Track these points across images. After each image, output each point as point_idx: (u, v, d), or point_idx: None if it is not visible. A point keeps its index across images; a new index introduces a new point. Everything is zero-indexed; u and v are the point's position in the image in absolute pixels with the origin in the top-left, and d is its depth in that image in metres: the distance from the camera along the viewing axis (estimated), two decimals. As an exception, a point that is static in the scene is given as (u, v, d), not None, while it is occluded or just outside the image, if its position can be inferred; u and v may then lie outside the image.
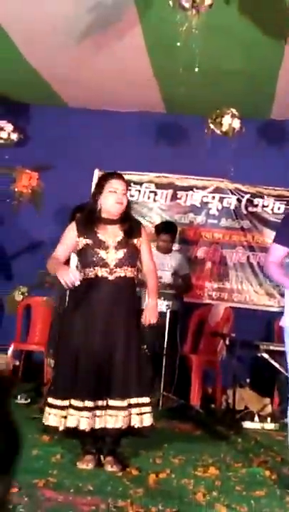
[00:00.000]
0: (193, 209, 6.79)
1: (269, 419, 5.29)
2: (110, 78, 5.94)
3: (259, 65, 5.34)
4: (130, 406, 3.57)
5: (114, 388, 3.55)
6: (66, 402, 3.53)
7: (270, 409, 5.59)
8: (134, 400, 3.58)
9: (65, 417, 3.52)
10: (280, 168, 6.52)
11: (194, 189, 6.79)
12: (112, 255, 3.60)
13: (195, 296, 6.54)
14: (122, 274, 3.61)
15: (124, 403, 3.54)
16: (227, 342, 5.95)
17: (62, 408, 3.54)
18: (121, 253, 3.62)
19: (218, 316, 6.36)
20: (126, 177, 6.73)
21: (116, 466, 3.53)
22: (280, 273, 3.61)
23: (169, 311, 5.60)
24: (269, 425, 5.17)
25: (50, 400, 3.62)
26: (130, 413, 3.56)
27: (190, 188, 6.79)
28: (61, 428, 3.54)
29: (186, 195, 6.80)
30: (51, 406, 3.58)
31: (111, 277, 3.58)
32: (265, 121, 6.63)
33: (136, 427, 3.57)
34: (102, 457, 3.62)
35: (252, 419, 5.27)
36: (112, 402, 3.53)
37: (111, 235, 3.66)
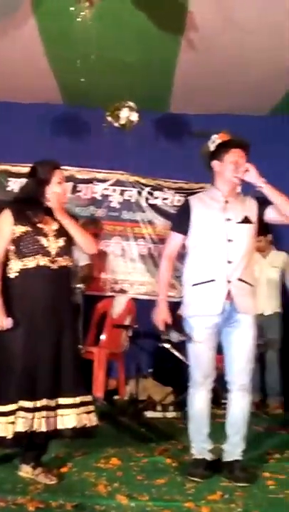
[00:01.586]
0: (94, 202, 6.78)
1: (171, 407, 5.37)
2: (6, 69, 5.80)
3: (156, 57, 5.39)
4: (82, 404, 3.39)
5: (64, 386, 3.37)
6: (14, 406, 3.24)
7: (173, 398, 5.67)
8: (82, 398, 3.42)
9: (13, 423, 3.22)
10: (180, 162, 6.60)
11: (95, 182, 6.77)
12: (53, 243, 3.45)
13: (97, 288, 6.53)
14: (64, 264, 3.46)
15: (77, 400, 3.38)
16: (130, 333, 6.00)
17: (9, 414, 3.23)
18: (61, 241, 3.48)
19: (120, 308, 6.39)
20: (24, 170, 6.71)
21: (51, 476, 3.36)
22: (163, 279, 3.85)
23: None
24: (171, 414, 5.26)
25: None
26: (81, 412, 3.38)
27: (90, 181, 6.77)
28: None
29: (87, 188, 6.78)
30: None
31: (53, 266, 3.41)
32: (163, 115, 6.70)
33: (87, 426, 3.39)
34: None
35: (154, 409, 5.34)
36: (63, 401, 3.35)
37: (49, 223, 3.50)
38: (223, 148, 3.66)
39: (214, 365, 3.62)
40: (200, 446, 3.59)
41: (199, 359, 3.58)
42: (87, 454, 3.88)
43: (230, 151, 3.62)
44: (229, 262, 3.49)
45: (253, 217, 3.61)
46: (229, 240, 3.52)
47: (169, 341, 5.13)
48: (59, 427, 3.32)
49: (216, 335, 3.59)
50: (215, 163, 3.68)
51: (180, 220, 3.69)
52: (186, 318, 3.67)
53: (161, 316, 3.74)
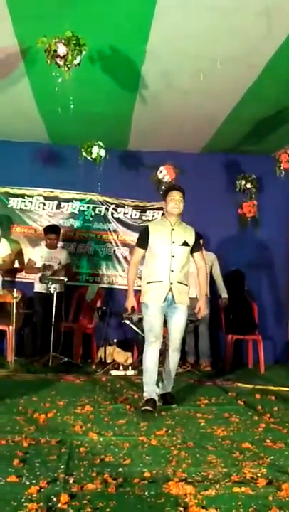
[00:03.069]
0: (73, 215, 6.72)
1: (130, 367, 5.39)
2: (6, 116, 5.72)
3: (117, 109, 5.36)
4: None
5: None
6: None
7: (131, 360, 5.68)
8: None
9: None
10: (136, 186, 6.62)
11: (73, 200, 6.72)
12: None
13: (75, 280, 6.50)
14: None
15: None
16: (99, 313, 6.00)
17: None
18: None
19: (92, 294, 6.37)
20: (21, 191, 6.64)
21: None
22: (130, 279, 4.08)
23: (55, 292, 5.52)
24: (130, 372, 5.26)
25: None
26: None
27: (70, 200, 6.71)
28: None
29: (68, 205, 6.72)
30: None
31: None
32: (124, 151, 6.70)
33: None
34: None
35: (118, 369, 5.34)
36: None
37: None
38: (165, 191, 4.04)
39: (162, 332, 3.87)
40: (151, 389, 3.76)
41: (152, 326, 3.83)
42: (67, 402, 3.87)
43: (168, 193, 3.96)
44: (172, 271, 3.84)
45: (191, 242, 3.97)
46: (172, 256, 3.86)
47: (129, 319, 5.19)
48: None
49: (162, 313, 3.87)
50: (163, 203, 4.04)
51: (142, 240, 4.00)
52: (143, 302, 3.91)
53: (130, 304, 4.05)
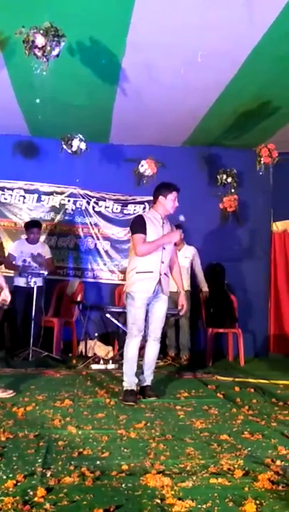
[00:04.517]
0: (54, 209, 6.68)
1: (111, 361, 5.39)
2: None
3: (98, 101, 5.32)
4: None
5: None
6: None
7: (112, 354, 5.69)
8: None
9: None
10: (117, 179, 6.61)
11: (54, 194, 6.67)
12: None
13: (57, 274, 6.46)
14: None
15: None
16: (80, 307, 5.98)
17: None
18: None
19: (73, 288, 6.35)
20: (1, 184, 6.56)
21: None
22: (150, 243, 3.86)
23: (36, 286, 5.49)
24: (111, 366, 5.25)
25: None
26: None
27: (51, 193, 6.66)
28: None
29: (48, 199, 6.67)
30: None
31: None
32: (106, 145, 6.66)
33: None
34: None
35: (98, 362, 5.34)
36: None
37: None
38: (168, 189, 3.94)
39: (143, 325, 3.91)
40: (131, 380, 3.85)
41: (137, 319, 3.87)
42: (47, 396, 3.85)
43: (172, 192, 3.93)
44: (162, 262, 3.91)
45: None
46: (164, 248, 3.92)
47: (110, 312, 5.19)
48: None
49: (146, 306, 3.92)
50: (161, 198, 3.95)
51: (141, 227, 3.92)
52: (129, 293, 3.90)
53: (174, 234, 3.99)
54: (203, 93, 5.05)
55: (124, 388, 3.82)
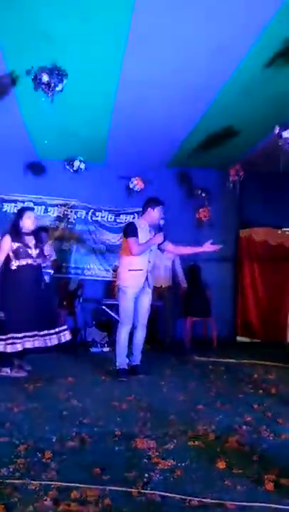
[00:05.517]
0: (59, 218, 6.64)
1: (106, 345, 5.38)
2: (2, 136, 5.57)
3: (96, 130, 5.30)
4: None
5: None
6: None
7: (107, 339, 5.66)
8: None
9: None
10: (112, 193, 6.57)
11: (58, 206, 6.62)
12: (34, 251, 3.82)
13: (62, 272, 6.42)
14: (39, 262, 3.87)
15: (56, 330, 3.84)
16: (80, 300, 5.96)
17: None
18: (38, 250, 3.88)
19: (75, 284, 6.32)
20: (14, 197, 6.49)
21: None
22: (143, 244, 3.90)
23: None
24: (106, 349, 5.26)
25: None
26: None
27: (55, 205, 6.61)
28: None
29: (54, 210, 6.63)
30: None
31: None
32: (102, 165, 6.64)
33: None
34: None
35: (96, 346, 5.32)
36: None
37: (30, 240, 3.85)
38: (155, 203, 4.02)
39: (133, 314, 3.93)
40: (122, 359, 3.89)
41: (127, 310, 3.90)
42: (53, 375, 3.83)
43: (159, 206, 4.00)
44: (148, 262, 3.94)
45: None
46: (150, 250, 3.95)
47: (105, 304, 5.17)
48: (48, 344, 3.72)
49: (135, 298, 3.93)
50: (150, 210, 4.01)
51: (134, 231, 3.94)
52: (121, 288, 3.93)
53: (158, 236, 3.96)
54: (182, 123, 5.05)
55: (117, 367, 3.84)
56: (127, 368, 3.89)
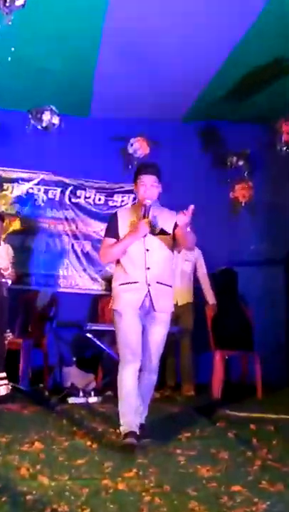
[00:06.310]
0: (20, 200, 6.68)
1: (93, 393, 5.38)
2: None
3: (76, 65, 5.34)
4: None
5: None
6: None
7: (94, 385, 5.68)
8: None
9: None
10: (101, 163, 6.62)
11: (20, 181, 6.67)
12: None
13: (23, 282, 6.45)
14: None
15: None
16: (54, 325, 5.98)
17: None
18: None
19: (45, 300, 6.35)
20: None
21: None
22: (117, 244, 3.86)
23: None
24: (93, 399, 5.25)
25: None
26: None
27: (15, 180, 6.66)
28: None
29: (12, 187, 6.67)
30: None
31: None
32: (85, 119, 6.67)
33: None
34: None
35: (77, 395, 5.33)
36: None
37: None
38: (135, 173, 3.98)
39: (140, 346, 3.80)
40: (130, 420, 3.71)
41: (129, 339, 3.78)
42: (11, 439, 3.82)
43: (139, 177, 3.91)
44: (148, 268, 3.80)
45: (169, 227, 3.87)
46: (147, 250, 3.82)
47: (91, 331, 5.19)
48: None
49: (140, 321, 3.83)
50: (134, 186, 4.00)
51: (109, 228, 3.96)
52: (116, 310, 3.86)
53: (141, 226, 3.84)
54: (208, 52, 5.07)
55: (123, 433, 3.72)
56: (137, 430, 3.73)
